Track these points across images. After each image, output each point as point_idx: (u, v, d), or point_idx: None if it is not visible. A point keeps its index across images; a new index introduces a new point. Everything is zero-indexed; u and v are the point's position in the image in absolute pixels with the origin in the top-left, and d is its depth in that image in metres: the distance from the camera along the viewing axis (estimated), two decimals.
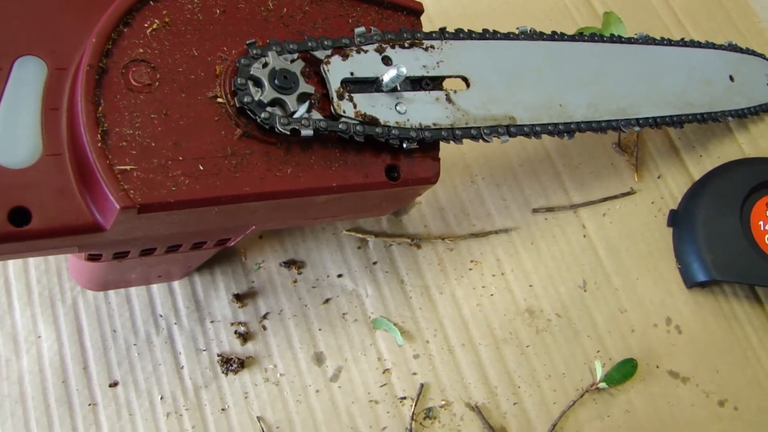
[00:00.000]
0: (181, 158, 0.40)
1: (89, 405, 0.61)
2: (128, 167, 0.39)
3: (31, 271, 0.66)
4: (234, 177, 0.41)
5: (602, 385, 0.60)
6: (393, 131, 0.45)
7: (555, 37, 0.57)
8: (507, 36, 0.54)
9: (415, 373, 0.61)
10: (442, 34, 0.51)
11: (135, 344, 0.63)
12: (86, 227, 0.39)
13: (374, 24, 0.49)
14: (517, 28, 0.55)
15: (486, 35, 0.53)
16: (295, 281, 0.64)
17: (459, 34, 0.52)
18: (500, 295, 0.64)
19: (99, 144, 0.38)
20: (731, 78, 0.70)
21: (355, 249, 0.65)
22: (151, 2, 0.42)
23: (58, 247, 0.41)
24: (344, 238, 0.65)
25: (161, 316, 0.63)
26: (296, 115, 0.43)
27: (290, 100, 0.43)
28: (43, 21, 0.42)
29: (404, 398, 0.60)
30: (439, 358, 0.62)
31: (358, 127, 0.44)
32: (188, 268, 0.61)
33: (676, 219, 0.67)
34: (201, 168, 0.40)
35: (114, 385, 0.61)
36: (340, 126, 0.44)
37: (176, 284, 0.64)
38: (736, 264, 0.64)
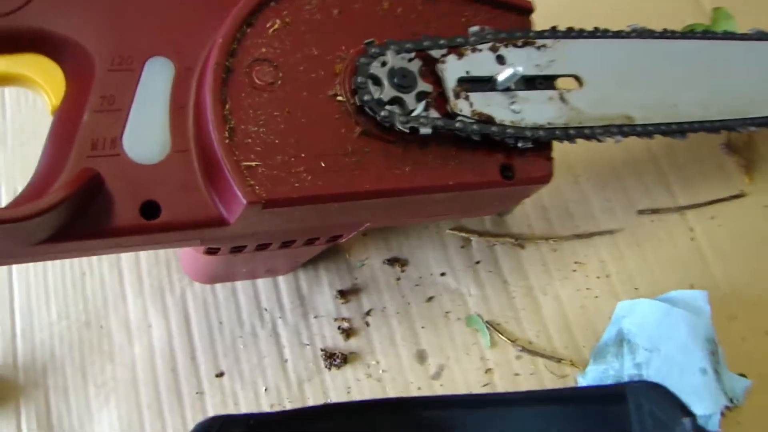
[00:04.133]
0: (303, 155, 0.41)
1: (197, 393, 0.63)
2: (254, 163, 0.40)
3: (142, 263, 0.69)
4: (354, 174, 0.42)
5: None
6: (508, 130, 0.46)
7: (666, 34, 0.56)
8: (618, 34, 0.53)
9: (517, 374, 0.61)
10: (553, 32, 0.51)
11: (240, 336, 0.64)
12: (212, 221, 0.41)
13: (486, 23, 0.49)
14: (629, 26, 0.54)
15: (597, 33, 0.52)
16: (398, 279, 0.65)
17: (570, 33, 0.51)
18: (605, 298, 0.63)
19: (226, 141, 0.39)
20: None
21: (459, 248, 0.65)
22: (272, 3, 0.44)
23: (183, 239, 0.43)
24: (447, 237, 0.65)
25: (266, 309, 0.65)
26: (414, 113, 0.43)
27: (409, 99, 0.43)
28: (170, 23, 0.43)
29: None
30: (542, 360, 0.61)
31: (474, 126, 0.45)
32: (295, 264, 0.62)
33: None
34: (322, 165, 0.42)
35: (220, 375, 0.63)
36: (457, 124, 0.44)
37: (281, 279, 0.66)
38: None
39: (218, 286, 0.66)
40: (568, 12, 0.67)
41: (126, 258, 0.68)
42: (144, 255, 0.68)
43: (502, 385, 0.61)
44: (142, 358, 0.65)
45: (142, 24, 0.43)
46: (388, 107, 0.43)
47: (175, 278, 0.68)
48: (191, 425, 0.62)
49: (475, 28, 0.47)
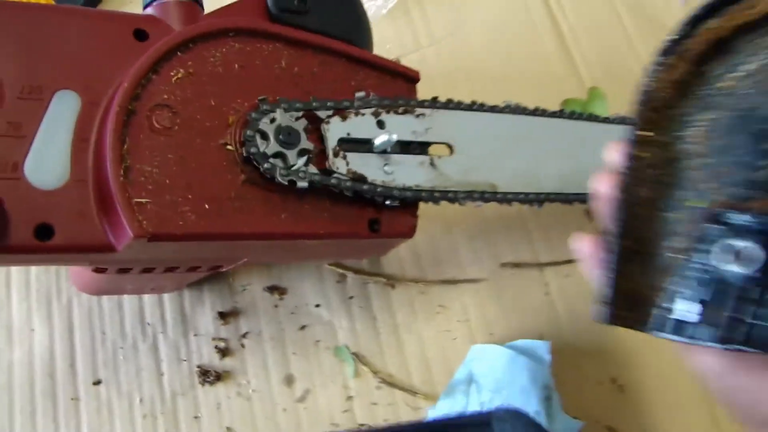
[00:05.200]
0: (190, 197, 0.46)
1: (72, 399, 0.66)
2: (144, 200, 0.44)
3: (31, 269, 0.71)
4: (235, 217, 0.47)
5: None
6: (379, 189, 0.51)
7: (537, 112, 0.63)
8: (493, 108, 0.60)
9: (375, 403, 0.66)
10: (433, 103, 0.57)
11: (122, 347, 0.68)
12: (100, 247, 0.45)
13: (374, 88, 0.55)
14: (503, 102, 0.61)
15: (473, 106, 0.59)
16: (276, 306, 0.69)
17: (448, 104, 0.57)
18: (462, 341, 0.69)
19: (121, 178, 0.44)
20: None
21: (335, 282, 0.70)
22: (178, 53, 0.48)
23: (73, 261, 0.47)
24: (326, 272, 0.70)
25: (149, 324, 0.68)
26: (294, 168, 0.48)
27: (291, 154, 0.48)
28: (81, 59, 0.47)
29: (363, 425, 0.65)
30: (399, 392, 0.67)
31: (347, 183, 0.50)
32: (180, 285, 0.66)
33: None
34: (207, 207, 0.46)
35: (97, 383, 0.66)
36: (332, 181, 0.50)
37: (166, 296, 0.69)
38: None
39: (105, 297, 0.69)
40: (459, 83, 0.74)
41: None
42: None
43: (360, 413, 0.66)
44: (21, 362, 0.67)
45: (54, 58, 0.46)
46: (271, 160, 0.48)
47: (63, 286, 0.70)
48: (63, 430, 0.64)
49: (361, 94, 0.53)
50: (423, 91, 0.62)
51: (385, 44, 0.81)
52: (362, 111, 0.52)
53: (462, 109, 0.58)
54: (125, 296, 0.69)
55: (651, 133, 0.40)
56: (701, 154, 0.39)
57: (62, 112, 0.46)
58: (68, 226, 0.44)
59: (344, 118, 0.52)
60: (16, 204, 0.43)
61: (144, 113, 0.46)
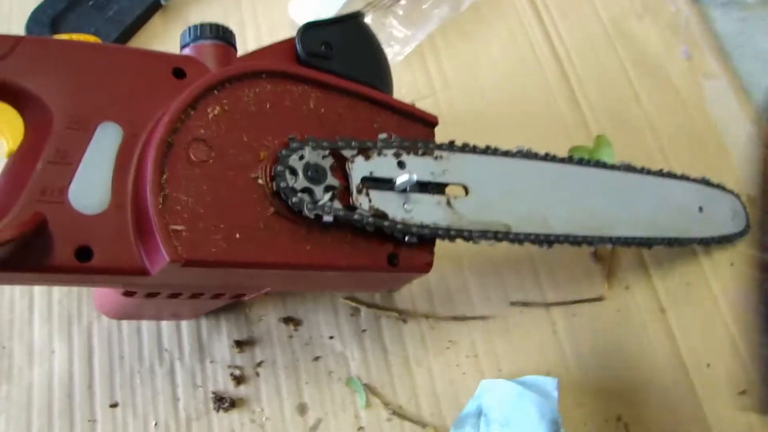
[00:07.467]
0: (222, 226, 0.48)
1: (89, 421, 0.68)
2: (179, 227, 0.47)
3: (54, 292, 0.74)
4: (263, 247, 0.50)
5: None
6: (398, 226, 0.54)
7: (547, 157, 0.66)
8: (506, 153, 0.63)
9: None
10: (450, 146, 0.60)
11: (139, 371, 0.70)
12: (135, 270, 0.47)
13: (395, 130, 0.58)
14: (516, 147, 0.64)
15: (488, 150, 0.62)
16: (291, 336, 0.72)
17: (464, 148, 0.60)
18: (471, 375, 0.71)
19: (160, 206, 0.46)
20: (700, 209, 0.78)
21: (349, 316, 0.73)
22: (215, 92, 0.51)
23: (108, 283, 0.49)
24: (339, 305, 0.73)
25: (166, 350, 0.71)
26: (320, 203, 0.51)
27: (318, 190, 0.51)
28: (125, 94, 0.50)
29: None
30: (409, 424, 0.69)
31: (369, 219, 0.53)
32: (198, 313, 0.68)
33: None
34: (237, 236, 0.49)
35: (114, 405, 0.68)
36: (356, 216, 0.52)
37: (184, 324, 0.72)
38: None
39: (124, 322, 0.72)
40: (469, 126, 0.77)
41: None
42: None
43: None
44: (40, 383, 0.69)
45: (100, 92, 0.49)
46: (299, 195, 0.51)
47: (84, 310, 0.72)
48: None
49: (383, 135, 0.56)
50: (436, 134, 0.65)
51: (400, 88, 0.84)
52: (384, 151, 0.55)
53: (477, 152, 0.61)
54: (144, 322, 0.72)
55: None
56: None
57: (105, 143, 0.49)
58: (107, 249, 0.47)
59: (367, 157, 0.54)
60: (59, 226, 0.46)
61: (182, 146, 0.49)
